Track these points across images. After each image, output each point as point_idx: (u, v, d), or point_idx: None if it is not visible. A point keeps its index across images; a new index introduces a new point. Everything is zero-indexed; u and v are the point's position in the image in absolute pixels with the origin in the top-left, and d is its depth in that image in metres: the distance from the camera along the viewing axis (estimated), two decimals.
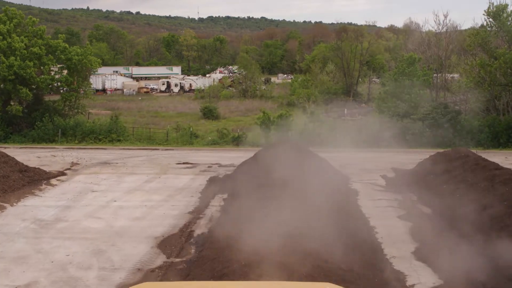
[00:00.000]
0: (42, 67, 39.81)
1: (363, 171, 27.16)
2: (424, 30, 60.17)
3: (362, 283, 12.08)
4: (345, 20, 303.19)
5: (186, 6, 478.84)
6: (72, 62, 40.64)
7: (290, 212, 15.44)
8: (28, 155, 30.90)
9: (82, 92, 42.72)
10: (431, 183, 21.53)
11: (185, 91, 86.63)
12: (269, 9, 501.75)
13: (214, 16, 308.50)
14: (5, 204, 20.01)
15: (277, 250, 11.62)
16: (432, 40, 50.55)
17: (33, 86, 39.56)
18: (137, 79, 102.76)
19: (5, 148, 31.63)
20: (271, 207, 15.88)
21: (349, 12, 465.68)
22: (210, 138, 40.12)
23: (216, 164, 29.23)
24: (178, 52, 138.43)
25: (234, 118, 55.64)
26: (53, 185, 23.61)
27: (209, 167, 28.41)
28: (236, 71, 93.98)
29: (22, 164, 25.14)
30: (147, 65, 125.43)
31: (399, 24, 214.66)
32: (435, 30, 55.30)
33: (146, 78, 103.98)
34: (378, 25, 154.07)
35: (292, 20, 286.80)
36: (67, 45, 41.57)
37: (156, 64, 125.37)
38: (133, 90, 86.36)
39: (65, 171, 26.73)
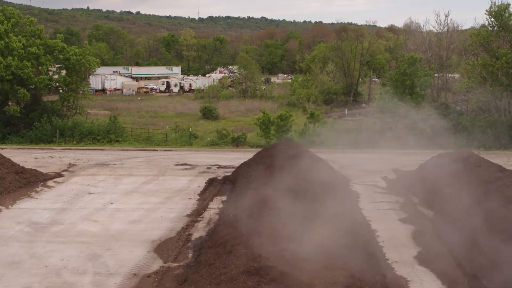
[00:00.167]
0: (40, 67, 39.44)
1: (364, 172, 26.84)
2: (424, 30, 59.93)
3: None
4: (345, 20, 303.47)
5: (186, 6, 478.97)
6: (70, 62, 40.27)
7: (289, 213, 15.12)
8: (25, 156, 30.59)
9: (80, 92, 42.36)
10: (433, 185, 21.18)
11: (184, 91, 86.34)
12: (269, 9, 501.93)
13: (214, 16, 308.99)
14: (0, 207, 19.70)
15: (277, 257, 11.28)
16: (433, 40, 50.23)
17: (31, 86, 39.20)
18: (137, 79, 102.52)
19: (2, 149, 31.34)
20: (270, 210, 15.55)
21: (349, 12, 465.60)
22: (209, 138, 39.79)
23: (215, 165, 28.91)
24: (178, 52, 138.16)
25: (233, 119, 55.31)
26: (49, 187, 23.29)
27: (208, 168, 28.08)
28: (236, 71, 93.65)
29: (18, 165, 24.81)
30: (147, 65, 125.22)
31: (399, 24, 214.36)
32: (436, 30, 55.06)
33: (145, 78, 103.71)
34: (378, 25, 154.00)
35: (292, 20, 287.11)
36: (65, 45, 41.20)
37: (156, 64, 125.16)
38: (133, 90, 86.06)
39: (62, 173, 26.40)
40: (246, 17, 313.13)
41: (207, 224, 17.77)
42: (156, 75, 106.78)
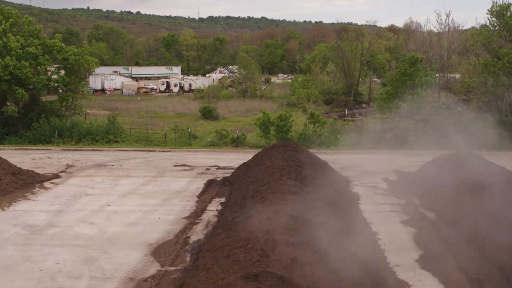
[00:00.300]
0: (38, 67, 39.16)
1: (365, 173, 26.57)
2: (425, 30, 59.58)
3: None
4: (346, 20, 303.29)
5: (186, 6, 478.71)
6: (69, 62, 39.99)
7: (288, 214, 14.83)
8: (22, 157, 30.33)
9: (79, 92, 42.06)
10: (434, 187, 20.90)
11: (184, 91, 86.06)
12: (269, 9, 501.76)
13: (214, 16, 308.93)
14: None
15: (276, 261, 10.99)
16: (434, 40, 49.94)
17: (29, 86, 38.92)
18: (137, 79, 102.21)
19: None
20: (269, 213, 15.26)
21: (349, 12, 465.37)
22: (208, 139, 39.50)
23: (214, 166, 28.63)
24: (178, 52, 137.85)
25: (233, 119, 55.03)
26: (46, 189, 23.01)
27: (207, 169, 27.80)
28: (236, 71, 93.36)
29: (15, 166, 24.54)
30: (147, 65, 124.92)
31: (400, 24, 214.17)
32: (437, 30, 54.77)
33: (145, 78, 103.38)
34: (378, 25, 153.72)
35: (292, 20, 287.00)
36: (63, 45, 40.90)
37: (155, 64, 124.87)
38: (132, 90, 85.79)
39: (59, 174, 26.13)
40: (246, 17, 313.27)
41: (206, 226, 17.49)
42: (156, 75, 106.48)
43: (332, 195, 19.81)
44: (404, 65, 42.04)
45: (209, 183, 24.09)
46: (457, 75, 54.89)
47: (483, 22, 47.10)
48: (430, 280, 13.13)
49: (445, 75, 48.86)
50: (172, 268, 13.81)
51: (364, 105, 68.03)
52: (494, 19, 39.31)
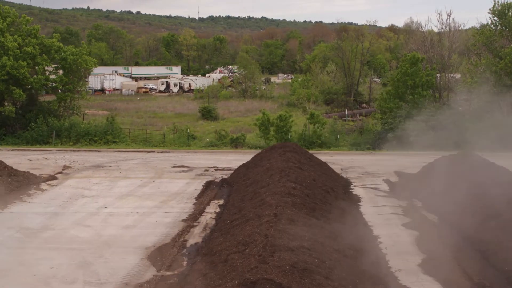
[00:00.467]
0: (36, 67, 38.84)
1: (365, 175, 26.28)
2: (425, 30, 59.13)
3: None
4: (346, 19, 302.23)
5: (186, 5, 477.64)
6: (67, 62, 39.67)
7: (287, 217, 14.51)
8: (19, 158, 30.01)
9: (78, 92, 41.73)
10: (436, 189, 20.56)
11: (184, 91, 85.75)
12: (269, 9, 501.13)
13: (214, 15, 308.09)
14: None
15: (274, 267, 10.66)
16: (434, 40, 49.55)
17: (27, 86, 38.59)
18: (136, 79, 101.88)
19: None
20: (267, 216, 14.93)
21: (349, 12, 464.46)
22: (207, 139, 39.18)
23: (213, 167, 28.30)
24: (178, 52, 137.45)
25: (233, 119, 54.73)
26: (42, 190, 22.67)
27: (205, 170, 27.47)
28: (236, 71, 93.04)
29: (11, 168, 24.18)
30: (147, 65, 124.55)
31: (400, 24, 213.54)
32: (438, 29, 54.33)
33: (145, 78, 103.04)
34: (378, 25, 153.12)
35: (292, 20, 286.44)
36: (61, 45, 40.55)
37: (155, 64, 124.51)
38: (132, 90, 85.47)
39: (56, 175, 25.78)
40: (246, 17, 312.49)
41: (203, 229, 17.16)
42: (155, 75, 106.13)
43: (333, 197, 19.50)
44: (404, 65, 41.71)
45: (208, 185, 23.76)
46: (458, 75, 54.48)
47: (485, 22, 46.76)
48: (433, 285, 12.81)
49: (446, 75, 48.44)
50: (168, 273, 13.47)
51: (364, 105, 67.72)
52: (495, 18, 38.94)
